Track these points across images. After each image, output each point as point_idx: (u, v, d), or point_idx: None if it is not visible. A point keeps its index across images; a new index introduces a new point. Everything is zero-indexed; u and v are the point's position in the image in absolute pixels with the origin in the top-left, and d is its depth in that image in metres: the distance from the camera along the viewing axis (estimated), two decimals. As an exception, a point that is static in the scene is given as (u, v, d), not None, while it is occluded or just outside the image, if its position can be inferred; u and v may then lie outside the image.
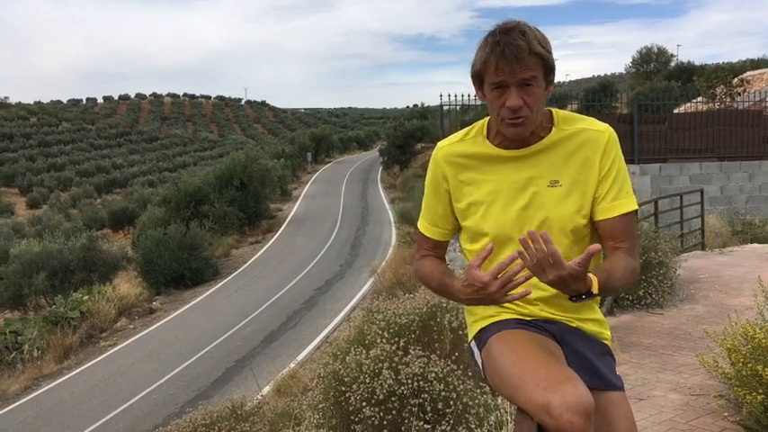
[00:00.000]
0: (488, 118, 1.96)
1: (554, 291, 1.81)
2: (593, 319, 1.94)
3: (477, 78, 1.82)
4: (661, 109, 18.39)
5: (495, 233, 1.86)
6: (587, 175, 1.85)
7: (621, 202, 1.84)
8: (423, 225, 2.05)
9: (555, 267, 1.61)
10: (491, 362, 1.82)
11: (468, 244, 1.96)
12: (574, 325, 1.89)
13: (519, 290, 1.70)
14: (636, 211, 1.89)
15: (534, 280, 1.83)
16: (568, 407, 1.53)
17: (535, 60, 1.72)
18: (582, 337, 1.89)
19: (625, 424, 1.79)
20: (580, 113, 2.04)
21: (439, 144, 2.00)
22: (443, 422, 4.30)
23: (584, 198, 1.85)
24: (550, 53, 1.77)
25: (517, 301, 1.88)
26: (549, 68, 1.77)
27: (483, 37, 1.78)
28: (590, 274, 1.68)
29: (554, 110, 1.92)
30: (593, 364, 1.84)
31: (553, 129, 1.88)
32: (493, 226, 1.86)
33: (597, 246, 1.64)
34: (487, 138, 1.92)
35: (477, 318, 1.96)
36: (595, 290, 1.68)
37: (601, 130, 1.88)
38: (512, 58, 1.69)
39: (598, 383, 1.80)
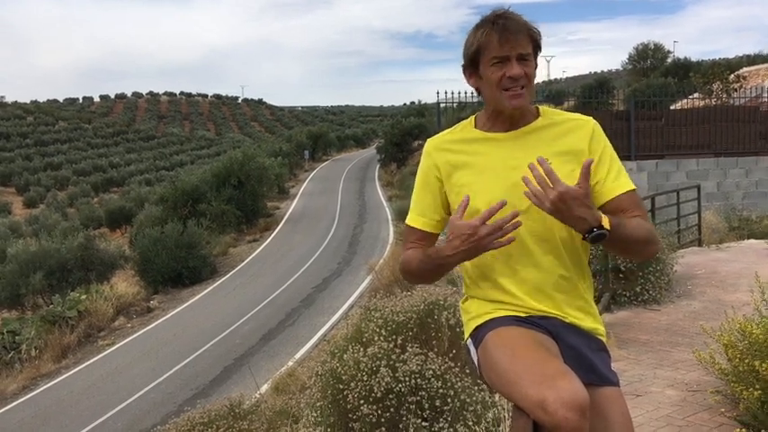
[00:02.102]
0: (475, 115, 2.04)
1: (544, 285, 1.86)
2: (588, 314, 1.95)
3: (473, 62, 1.91)
4: (657, 105, 18.39)
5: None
6: (576, 152, 1.90)
7: (624, 181, 1.92)
8: (410, 217, 2.07)
9: (554, 187, 1.70)
10: (487, 359, 1.83)
11: None
12: (569, 321, 1.90)
13: (506, 237, 1.76)
14: (636, 191, 1.96)
15: (526, 274, 1.85)
16: (564, 403, 1.53)
17: (529, 38, 1.86)
18: (577, 332, 1.89)
19: (620, 419, 1.79)
20: (577, 110, 2.10)
21: (429, 139, 2.08)
22: (441, 419, 4.30)
23: (575, 170, 1.88)
24: (539, 34, 1.90)
25: (512, 297, 1.89)
26: (537, 49, 1.90)
27: (472, 28, 1.90)
28: (600, 212, 1.75)
29: (540, 106, 2.02)
30: (588, 359, 1.85)
31: (540, 117, 1.97)
32: (486, 202, 1.87)
33: (590, 159, 1.75)
34: (476, 127, 2.00)
35: (473, 315, 1.97)
36: (606, 225, 1.73)
37: (586, 120, 1.98)
38: (514, 31, 1.83)
39: (593, 379, 1.81)
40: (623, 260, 7.14)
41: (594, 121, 1.97)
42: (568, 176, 1.83)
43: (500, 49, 1.83)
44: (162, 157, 70.36)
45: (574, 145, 1.92)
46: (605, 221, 1.73)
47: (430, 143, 2.04)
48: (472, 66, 1.92)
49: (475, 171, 1.93)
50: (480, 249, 1.78)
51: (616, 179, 1.90)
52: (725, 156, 15.57)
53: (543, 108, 2.00)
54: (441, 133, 2.07)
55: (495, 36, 1.83)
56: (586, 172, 1.71)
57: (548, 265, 1.87)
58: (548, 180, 1.71)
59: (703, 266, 9.15)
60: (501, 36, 1.82)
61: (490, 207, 1.76)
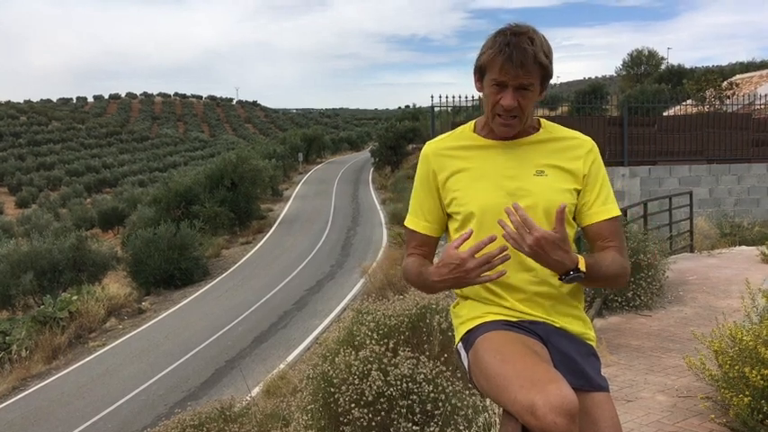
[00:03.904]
0: (476, 120, 2.05)
1: (534, 289, 1.87)
2: (577, 318, 1.95)
3: (480, 71, 1.91)
4: (651, 111, 18.48)
5: (481, 215, 1.90)
6: (571, 171, 1.93)
7: (609, 207, 1.94)
8: (410, 220, 2.07)
9: (530, 232, 1.71)
10: (477, 363, 1.83)
11: (457, 235, 1.97)
12: (558, 326, 1.90)
13: (494, 271, 1.77)
14: (619, 217, 1.98)
15: (517, 279, 1.86)
16: (552, 407, 1.53)
17: (537, 69, 1.82)
18: (567, 337, 1.90)
19: (610, 425, 1.79)
20: (571, 115, 2.11)
21: (428, 142, 2.09)
22: (432, 423, 4.30)
23: (569, 186, 1.91)
24: (551, 63, 1.86)
25: (502, 301, 1.89)
26: (546, 77, 1.87)
27: (492, 34, 1.87)
28: (576, 254, 1.78)
29: (541, 119, 2.03)
30: (578, 364, 1.85)
31: (541, 130, 1.98)
32: (480, 208, 1.89)
33: (564, 203, 1.75)
34: (475, 132, 2.01)
35: (464, 320, 1.97)
36: (582, 266, 1.77)
37: (585, 139, 2.00)
38: (517, 64, 1.79)
39: (583, 384, 1.81)
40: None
41: (593, 142, 1.99)
42: (559, 192, 1.86)
43: (500, 75, 1.82)
44: (155, 158, 70.23)
45: (570, 163, 1.93)
46: (581, 263, 1.77)
47: (428, 147, 2.05)
48: (480, 73, 1.93)
49: (471, 177, 1.94)
50: (467, 281, 1.79)
51: (603, 204, 1.93)
52: (717, 162, 15.65)
53: (544, 121, 2.01)
54: (439, 137, 2.07)
55: (498, 61, 1.81)
56: (561, 217, 1.73)
57: (538, 269, 1.88)
58: (523, 225, 1.72)
59: (695, 272, 9.18)
60: (504, 65, 1.80)
61: (479, 242, 1.75)
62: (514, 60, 1.78)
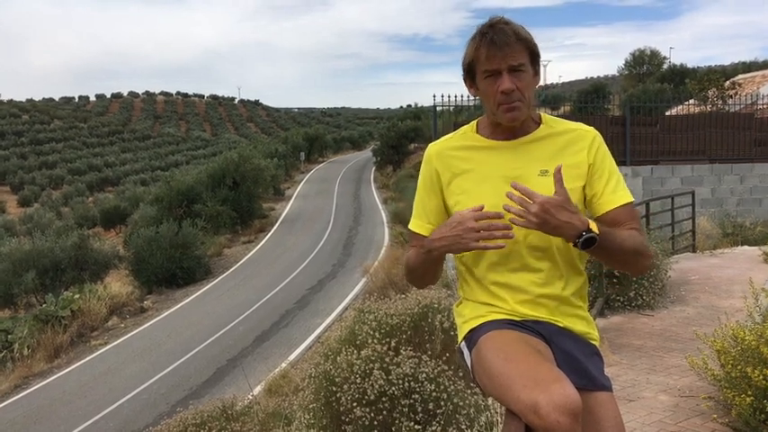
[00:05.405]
0: (477, 119, 2.04)
1: (538, 291, 1.86)
2: (581, 318, 1.95)
3: (469, 72, 1.92)
4: (653, 111, 18.45)
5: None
6: (577, 164, 1.91)
7: (621, 194, 1.93)
8: (414, 224, 2.07)
9: (534, 202, 1.72)
10: (480, 362, 1.83)
11: None
12: (562, 325, 1.90)
13: (494, 242, 1.77)
14: (633, 203, 1.97)
15: (521, 281, 1.85)
16: (556, 407, 1.53)
17: (522, 47, 1.84)
18: (570, 337, 1.90)
19: (613, 424, 1.79)
20: (573, 114, 2.09)
21: (431, 144, 2.08)
22: (434, 423, 4.30)
23: (573, 185, 1.89)
24: (535, 44, 1.87)
25: (505, 303, 1.89)
26: (534, 56, 1.88)
27: (471, 37, 1.89)
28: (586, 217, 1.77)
29: (542, 113, 2.02)
30: (581, 364, 1.85)
31: (542, 125, 1.97)
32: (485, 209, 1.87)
33: (560, 164, 1.76)
34: (477, 132, 2.00)
35: (467, 318, 1.97)
36: (594, 229, 1.74)
37: (587, 130, 1.98)
38: (501, 44, 1.81)
39: (586, 384, 1.81)
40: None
41: (596, 131, 1.97)
42: (570, 191, 1.83)
43: (489, 63, 1.83)
44: (157, 157, 70.28)
45: (573, 157, 1.92)
46: (593, 226, 1.74)
47: (431, 148, 2.04)
48: (470, 77, 1.92)
49: (475, 179, 1.93)
50: (464, 243, 1.79)
51: (614, 192, 1.91)
52: (720, 162, 15.61)
53: (545, 116, 2.00)
54: (442, 138, 2.07)
55: (483, 50, 1.83)
56: (559, 178, 1.73)
57: (542, 272, 1.88)
58: (525, 198, 1.72)
59: (697, 272, 9.17)
60: (489, 50, 1.82)
61: (486, 211, 1.78)
62: (498, 42, 1.81)
